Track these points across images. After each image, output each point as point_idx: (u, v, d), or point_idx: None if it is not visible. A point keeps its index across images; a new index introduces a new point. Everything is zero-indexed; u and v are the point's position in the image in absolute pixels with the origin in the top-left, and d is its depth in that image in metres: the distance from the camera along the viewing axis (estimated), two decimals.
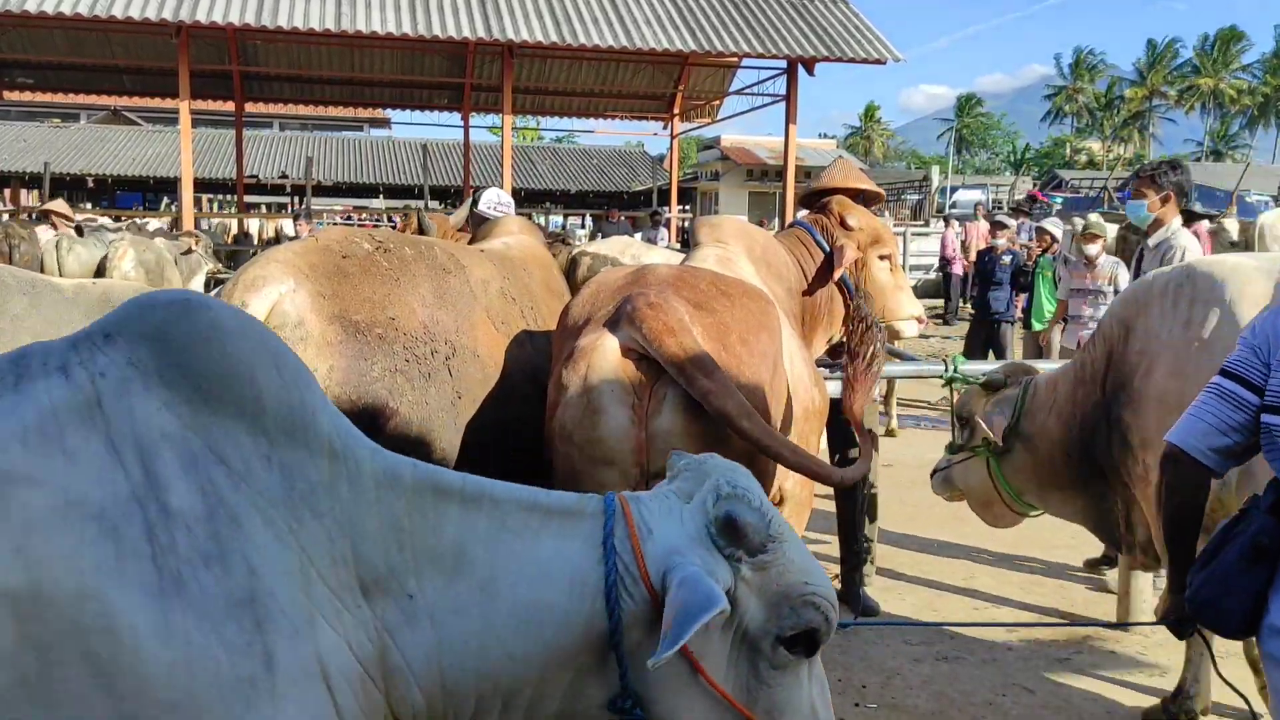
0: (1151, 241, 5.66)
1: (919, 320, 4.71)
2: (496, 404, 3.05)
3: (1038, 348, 11.08)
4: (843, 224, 4.40)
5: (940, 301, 21.25)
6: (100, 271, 9.28)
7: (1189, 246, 5.44)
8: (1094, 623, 5.20)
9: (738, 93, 22.46)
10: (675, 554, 1.72)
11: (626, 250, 6.83)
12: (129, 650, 1.42)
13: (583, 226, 28.38)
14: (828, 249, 4.31)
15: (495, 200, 6.20)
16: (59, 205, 11.94)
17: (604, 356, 2.66)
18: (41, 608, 1.40)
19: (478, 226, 5.88)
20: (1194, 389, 3.83)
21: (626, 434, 2.60)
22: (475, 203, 6.36)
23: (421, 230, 4.97)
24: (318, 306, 2.63)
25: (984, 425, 4.54)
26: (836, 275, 4.32)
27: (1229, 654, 4.87)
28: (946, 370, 4.88)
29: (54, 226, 11.23)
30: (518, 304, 3.41)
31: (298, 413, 1.64)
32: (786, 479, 3.52)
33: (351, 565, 1.65)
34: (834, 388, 5.17)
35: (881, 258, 4.49)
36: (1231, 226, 15.77)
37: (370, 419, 2.62)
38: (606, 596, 1.71)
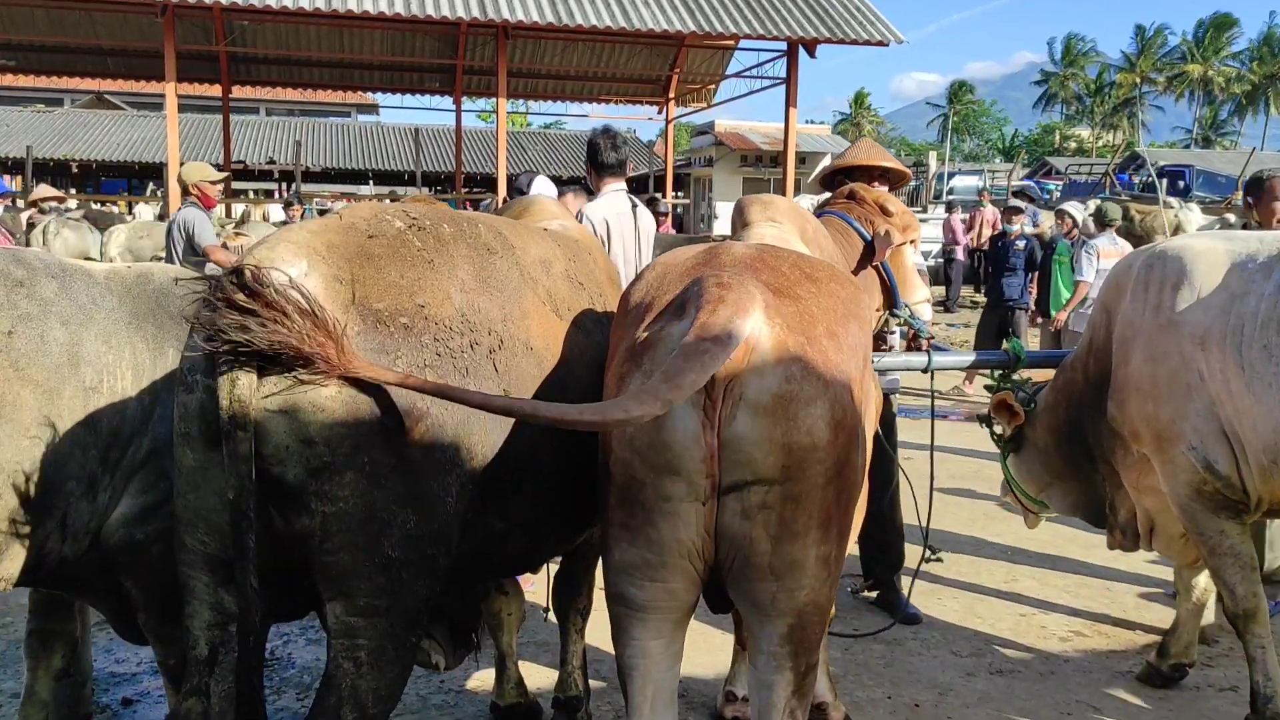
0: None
1: (929, 301, 4.67)
2: (557, 401, 2.69)
3: (1056, 337, 10.78)
4: (883, 211, 4.20)
5: (942, 289, 20.93)
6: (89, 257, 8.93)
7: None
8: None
9: (735, 75, 22.09)
10: None
11: None
12: None
13: None
14: (867, 237, 4.10)
15: (546, 194, 5.80)
16: (43, 191, 11.54)
17: (672, 348, 2.29)
18: None
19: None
20: (1165, 372, 3.74)
21: (695, 440, 2.25)
22: (521, 191, 5.91)
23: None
24: (333, 293, 2.26)
25: (1000, 425, 4.63)
26: (881, 258, 4.14)
27: None
28: (1009, 358, 4.62)
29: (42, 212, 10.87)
30: (586, 290, 3.05)
31: None
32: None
33: None
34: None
35: (910, 243, 4.39)
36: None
37: (395, 421, 2.25)
38: None
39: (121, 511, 2.83)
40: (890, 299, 4.15)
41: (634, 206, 5.27)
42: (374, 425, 2.23)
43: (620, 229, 5.15)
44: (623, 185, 5.34)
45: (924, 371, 4.60)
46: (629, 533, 2.40)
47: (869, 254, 4.13)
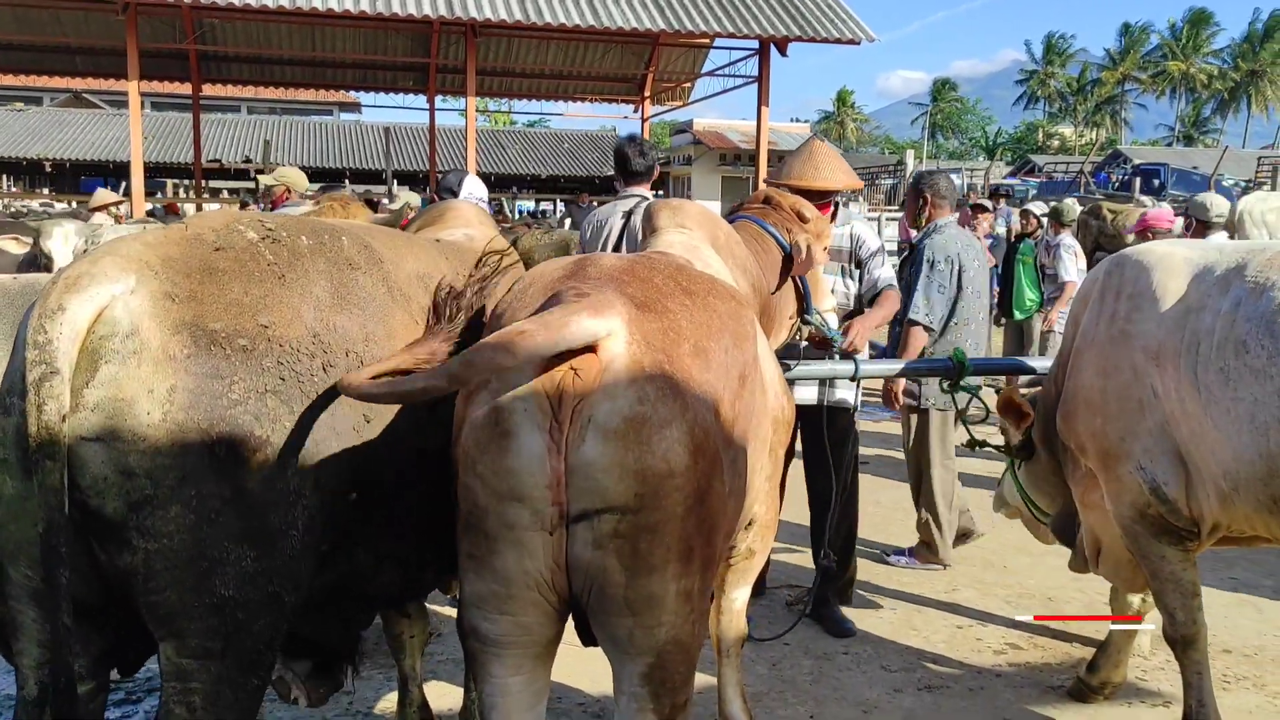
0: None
1: (835, 310, 4.60)
2: (428, 428, 2.54)
3: (1020, 339, 10.74)
4: (799, 217, 4.08)
5: None
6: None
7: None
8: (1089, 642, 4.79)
9: (709, 74, 21.96)
10: None
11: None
12: None
13: (554, 211, 27.91)
14: (785, 244, 3.98)
15: (476, 195, 5.65)
16: (105, 197, 11.29)
17: (518, 367, 2.14)
18: None
19: None
20: (1116, 386, 3.57)
21: (540, 464, 2.10)
22: (450, 190, 5.79)
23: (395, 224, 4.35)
24: (161, 311, 2.11)
25: (1009, 432, 4.45)
26: (802, 273, 4.05)
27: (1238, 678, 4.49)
28: (952, 365, 4.48)
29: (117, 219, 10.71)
30: None
31: None
32: (756, 503, 3.13)
33: None
34: (805, 393, 4.79)
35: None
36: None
37: (229, 451, 2.11)
38: None
39: None
40: (804, 306, 4.06)
41: (630, 209, 4.98)
42: (204, 455, 2.10)
43: (601, 233, 4.99)
44: (638, 190, 5.16)
45: (851, 379, 4.53)
46: (475, 563, 2.25)
47: (788, 266, 4.03)
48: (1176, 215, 15.85)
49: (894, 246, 22.31)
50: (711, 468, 2.23)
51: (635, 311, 2.23)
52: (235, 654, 2.21)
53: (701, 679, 4.02)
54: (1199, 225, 7.39)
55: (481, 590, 2.25)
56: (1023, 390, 4.66)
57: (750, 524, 3.36)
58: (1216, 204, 7.41)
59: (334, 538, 2.40)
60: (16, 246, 5.65)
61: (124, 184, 31.56)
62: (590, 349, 2.13)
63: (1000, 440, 4.63)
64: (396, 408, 2.48)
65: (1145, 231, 8.41)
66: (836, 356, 4.32)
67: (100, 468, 2.07)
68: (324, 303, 2.38)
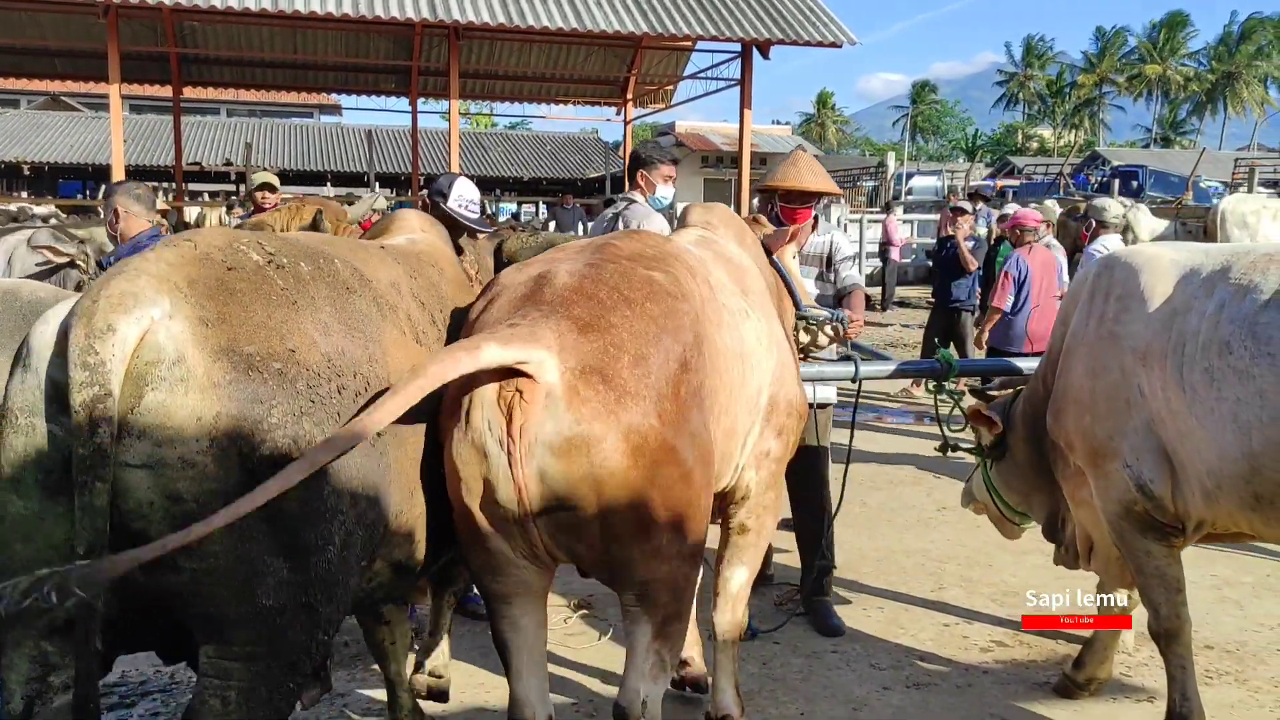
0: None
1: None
2: (427, 431, 2.68)
3: None
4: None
5: (877, 290, 21.09)
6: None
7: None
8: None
9: (692, 77, 22.01)
10: None
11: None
12: None
13: (536, 214, 27.92)
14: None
15: (467, 197, 5.68)
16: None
17: (484, 396, 2.52)
18: None
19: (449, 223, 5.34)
20: (1104, 386, 3.65)
21: (505, 477, 2.51)
22: (440, 193, 5.82)
23: (315, 227, 4.43)
24: (200, 337, 2.13)
25: (979, 431, 4.50)
26: (776, 248, 4.31)
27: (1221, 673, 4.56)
28: (940, 366, 4.55)
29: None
30: (427, 309, 3.00)
31: None
32: (747, 471, 3.43)
33: None
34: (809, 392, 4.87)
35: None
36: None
37: (270, 473, 2.13)
38: None
39: None
40: (795, 303, 4.21)
41: (619, 211, 5.30)
42: (247, 478, 2.12)
43: (592, 231, 5.35)
44: (630, 194, 5.39)
45: (853, 380, 4.61)
46: (473, 544, 2.68)
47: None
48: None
49: (874, 247, 22.59)
50: (657, 456, 2.54)
51: (574, 336, 2.51)
52: (275, 657, 2.28)
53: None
54: (1097, 226, 7.84)
55: (484, 562, 2.71)
56: (992, 390, 4.74)
57: (744, 499, 3.49)
58: (1112, 206, 8.06)
59: (371, 550, 2.49)
60: (55, 257, 5.56)
61: (103, 187, 31.47)
62: (528, 377, 2.45)
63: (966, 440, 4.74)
64: (408, 416, 2.57)
65: (1015, 228, 9.00)
66: (841, 334, 4.50)
67: (146, 493, 2.10)
68: (332, 328, 2.44)
